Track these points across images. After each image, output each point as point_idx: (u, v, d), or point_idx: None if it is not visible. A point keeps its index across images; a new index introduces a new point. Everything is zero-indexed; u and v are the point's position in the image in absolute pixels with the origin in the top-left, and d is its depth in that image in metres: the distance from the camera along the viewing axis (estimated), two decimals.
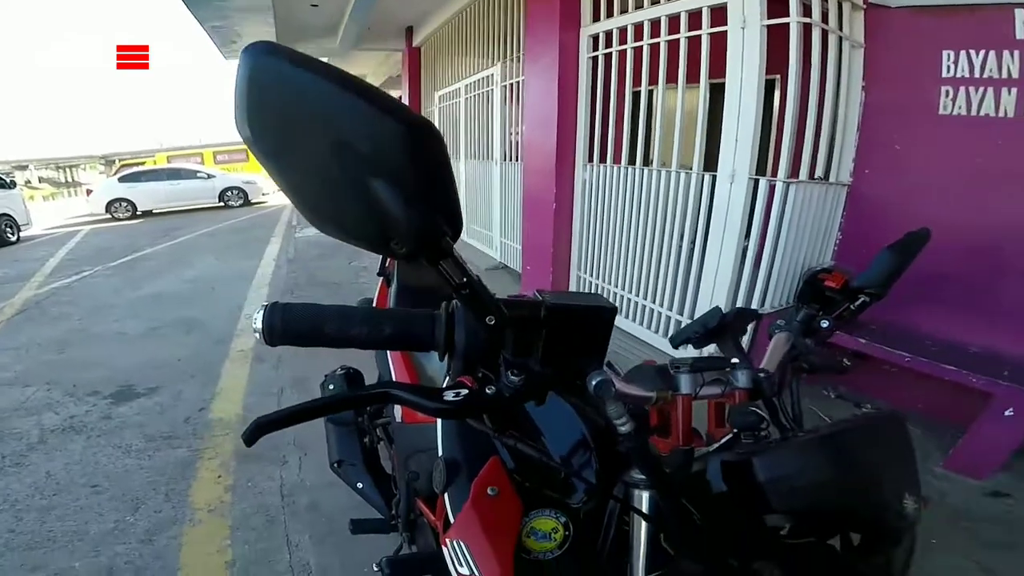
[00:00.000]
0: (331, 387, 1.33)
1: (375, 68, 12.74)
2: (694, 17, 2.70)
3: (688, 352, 1.21)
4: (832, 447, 0.61)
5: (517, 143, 4.85)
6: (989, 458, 2.09)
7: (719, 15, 2.57)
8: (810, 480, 0.59)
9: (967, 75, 2.19)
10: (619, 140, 3.38)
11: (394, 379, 1.26)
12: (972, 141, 2.23)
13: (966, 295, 2.35)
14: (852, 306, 0.87)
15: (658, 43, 2.92)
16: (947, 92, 2.26)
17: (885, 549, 0.65)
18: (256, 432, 0.49)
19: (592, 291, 3.78)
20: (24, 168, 32.18)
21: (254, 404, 2.81)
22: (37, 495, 2.12)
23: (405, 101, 8.68)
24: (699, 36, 2.68)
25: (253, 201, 14.53)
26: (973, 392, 2.08)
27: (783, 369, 0.80)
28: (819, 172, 2.57)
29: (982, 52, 2.14)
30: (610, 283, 3.67)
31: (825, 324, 0.84)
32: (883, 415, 0.68)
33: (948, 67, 2.23)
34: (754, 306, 2.65)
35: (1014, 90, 2.08)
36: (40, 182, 32.75)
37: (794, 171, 2.51)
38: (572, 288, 4.03)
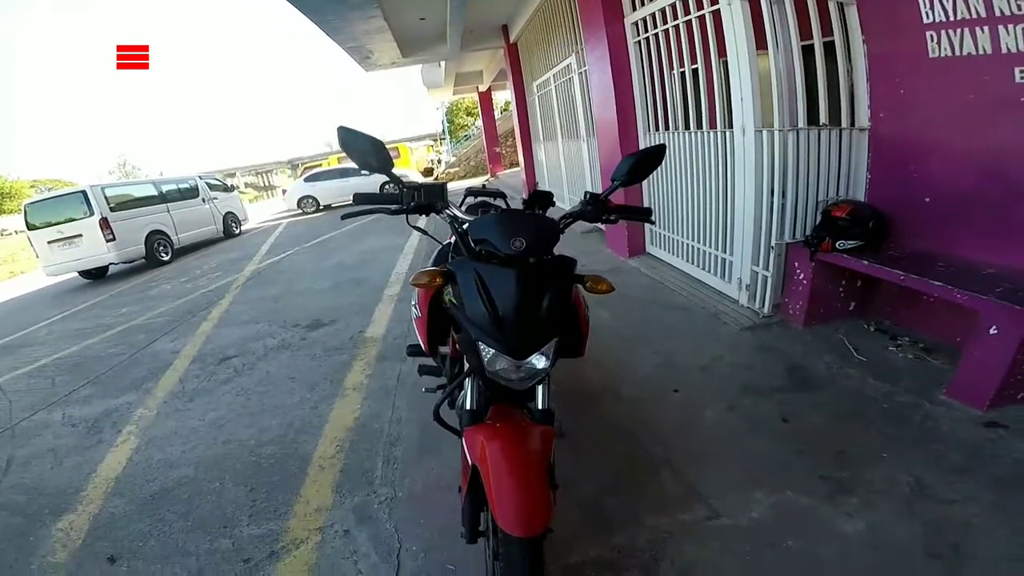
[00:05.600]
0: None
1: (487, 64, 13.71)
2: None
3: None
4: (496, 217, 1.26)
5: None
6: (983, 384, 1.98)
7: None
8: (482, 227, 1.24)
9: (943, 19, 2.28)
10: (667, 109, 3.82)
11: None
12: (962, 79, 2.29)
13: (986, 218, 2.36)
14: (611, 187, 1.46)
15: (678, 24, 3.32)
16: (931, 36, 2.35)
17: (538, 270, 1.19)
18: (344, 216, 1.50)
19: (664, 242, 4.38)
20: (232, 176, 40.46)
21: (393, 328, 3.96)
22: (259, 386, 3.28)
23: (511, 92, 9.52)
24: (708, 14, 3.02)
25: None
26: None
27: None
28: (823, 120, 2.80)
29: None
30: (675, 233, 4.11)
31: (584, 199, 1.48)
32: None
33: (926, 13, 2.33)
34: (774, 237, 2.96)
35: (986, 28, 2.13)
36: (246, 187, 40.81)
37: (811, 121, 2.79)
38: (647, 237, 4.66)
